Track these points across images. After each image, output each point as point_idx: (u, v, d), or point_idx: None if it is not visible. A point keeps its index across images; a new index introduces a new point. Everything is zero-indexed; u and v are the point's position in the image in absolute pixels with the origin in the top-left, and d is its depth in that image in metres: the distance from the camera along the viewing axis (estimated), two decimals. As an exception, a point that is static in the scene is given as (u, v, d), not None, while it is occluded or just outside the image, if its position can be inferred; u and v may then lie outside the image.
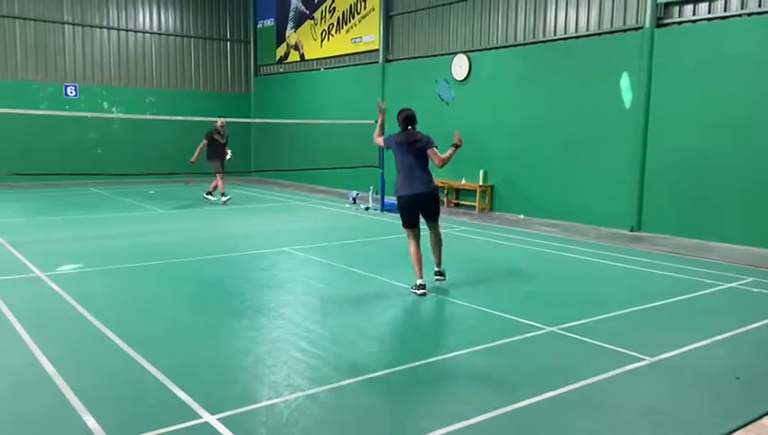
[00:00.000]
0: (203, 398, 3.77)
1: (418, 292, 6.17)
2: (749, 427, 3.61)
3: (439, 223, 6.66)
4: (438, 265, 6.73)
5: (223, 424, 3.46)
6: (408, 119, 6.38)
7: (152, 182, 16.99)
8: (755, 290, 6.75)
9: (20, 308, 5.59)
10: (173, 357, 4.51)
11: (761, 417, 3.72)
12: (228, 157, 13.71)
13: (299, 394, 3.91)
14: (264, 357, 4.58)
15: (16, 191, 14.93)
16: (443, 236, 6.74)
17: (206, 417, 3.54)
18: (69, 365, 4.27)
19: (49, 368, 4.20)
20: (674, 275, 7.45)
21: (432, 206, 6.45)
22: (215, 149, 13.55)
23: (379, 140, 6.93)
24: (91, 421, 3.46)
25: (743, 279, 7.21)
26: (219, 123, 13.55)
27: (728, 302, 6.42)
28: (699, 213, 9.71)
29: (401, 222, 6.45)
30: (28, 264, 7.37)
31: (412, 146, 6.29)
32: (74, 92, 17.55)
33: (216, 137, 13.59)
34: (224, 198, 13.71)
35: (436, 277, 6.68)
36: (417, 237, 6.38)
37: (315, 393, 3.92)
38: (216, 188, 13.93)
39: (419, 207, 6.35)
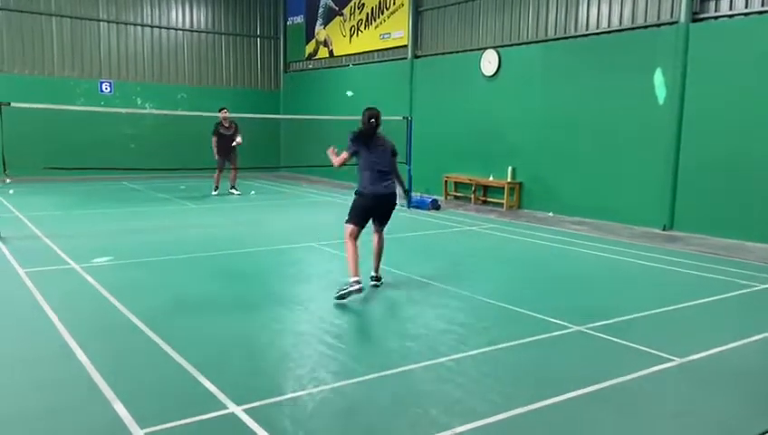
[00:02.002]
0: (229, 389, 3.83)
1: (355, 287, 5.73)
2: (782, 430, 3.52)
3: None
4: (377, 270, 6.40)
5: (248, 415, 3.51)
6: (373, 116, 6.08)
7: (184, 177, 17.26)
8: (792, 292, 6.58)
9: (55, 299, 5.74)
10: (201, 349, 4.58)
11: (794, 421, 3.63)
12: (236, 142, 13.92)
13: (324, 387, 3.94)
14: (290, 350, 4.62)
15: (52, 185, 15.31)
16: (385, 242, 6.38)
17: (232, 407, 3.60)
18: (101, 355, 4.37)
19: (82, 357, 4.31)
20: (707, 275, 7.29)
21: (391, 209, 6.26)
22: (221, 142, 13.89)
23: (342, 158, 6.23)
24: (120, 409, 3.54)
25: (779, 280, 7.03)
26: (222, 116, 13.75)
27: (762, 303, 6.27)
28: (734, 212, 9.48)
29: (349, 218, 6.08)
30: (63, 255, 7.56)
31: (380, 146, 6.13)
32: (109, 89, 17.90)
33: (222, 130, 13.85)
34: (214, 192, 14.07)
35: (374, 282, 6.32)
36: (357, 238, 6.04)
37: (340, 387, 3.95)
38: (235, 179, 14.28)
39: (378, 209, 6.15)
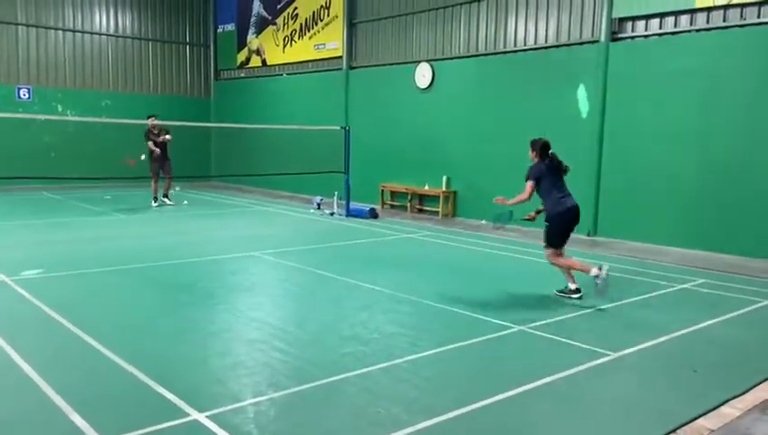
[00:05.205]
0: (189, 397, 3.81)
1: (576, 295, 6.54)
2: (709, 415, 3.87)
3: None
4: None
5: (212, 421, 3.52)
6: (547, 146, 6.74)
7: (108, 187, 16.65)
8: (705, 291, 7.15)
9: (-13, 312, 5.48)
10: (153, 359, 4.51)
11: (720, 405, 3.99)
12: (165, 138, 13.54)
13: (283, 392, 3.98)
14: (244, 358, 4.63)
15: (-35, 195, 14.41)
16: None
17: (195, 415, 3.59)
18: (48, 367, 4.24)
19: (28, 370, 4.17)
20: (631, 277, 7.80)
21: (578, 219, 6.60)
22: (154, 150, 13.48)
23: (528, 187, 6.62)
24: (78, 420, 3.46)
25: (694, 280, 7.61)
26: (150, 123, 13.30)
27: (682, 301, 6.77)
28: (652, 218, 10.17)
29: (550, 242, 6.55)
30: (-10, 268, 7.19)
31: (561, 168, 6.62)
32: (27, 95, 17.06)
33: (152, 137, 13.43)
34: (154, 203, 13.64)
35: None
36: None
37: (300, 391, 4.01)
38: (169, 188, 13.94)
39: (575, 220, 6.54)
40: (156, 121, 13.41)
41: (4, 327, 5.08)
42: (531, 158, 6.79)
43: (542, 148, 6.70)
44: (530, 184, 6.53)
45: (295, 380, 4.19)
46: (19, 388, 3.93)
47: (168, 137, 13.57)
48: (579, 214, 6.55)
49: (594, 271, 6.21)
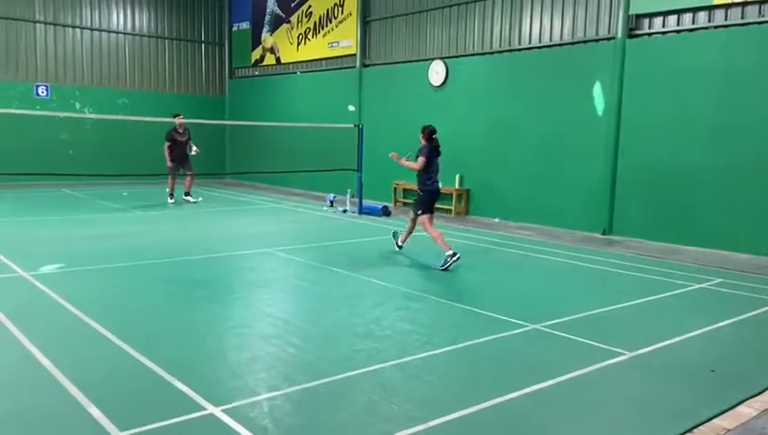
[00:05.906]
0: (205, 391, 3.85)
1: (454, 258, 7.67)
2: (726, 414, 3.84)
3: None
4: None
5: (228, 415, 3.55)
6: (433, 132, 8.17)
7: (125, 184, 16.82)
8: (723, 290, 7.08)
9: (7, 306, 5.55)
10: (169, 353, 4.55)
11: (736, 405, 3.96)
12: (194, 152, 13.66)
13: (297, 387, 4.01)
14: (260, 353, 4.66)
15: (-15, 192, 14.62)
16: None
17: (211, 408, 3.62)
18: (65, 360, 4.30)
19: (45, 362, 4.23)
20: (647, 276, 7.75)
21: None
22: (176, 149, 13.54)
23: (421, 161, 8.05)
24: (95, 412, 3.51)
25: (711, 280, 7.54)
26: (178, 122, 13.39)
27: (699, 301, 6.72)
28: (668, 217, 10.08)
29: (423, 209, 8.18)
30: (9, 263, 7.28)
31: (438, 151, 8.16)
32: (45, 92, 17.26)
33: (177, 136, 13.49)
34: (170, 200, 13.72)
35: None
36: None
37: (314, 386, 4.03)
38: (191, 186, 14.03)
39: (437, 198, 8.39)
40: (182, 120, 13.49)
41: (23, 321, 5.15)
42: (421, 139, 8.18)
43: (429, 133, 8.16)
44: (423, 159, 8.04)
45: (310, 375, 4.21)
46: (37, 381, 3.98)
47: (195, 149, 13.65)
48: (440, 193, 8.46)
49: (450, 252, 7.66)
